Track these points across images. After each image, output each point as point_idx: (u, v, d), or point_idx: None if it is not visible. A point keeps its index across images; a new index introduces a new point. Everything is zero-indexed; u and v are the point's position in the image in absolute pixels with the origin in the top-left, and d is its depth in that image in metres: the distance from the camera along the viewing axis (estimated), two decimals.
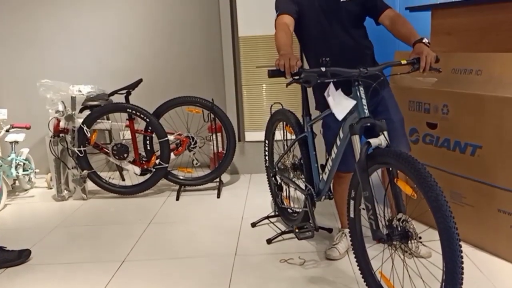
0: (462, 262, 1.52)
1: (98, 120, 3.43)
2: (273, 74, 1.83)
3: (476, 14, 2.48)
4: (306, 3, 2.18)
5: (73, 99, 3.43)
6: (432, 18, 2.74)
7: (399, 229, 1.71)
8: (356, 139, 1.88)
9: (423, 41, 1.91)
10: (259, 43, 3.70)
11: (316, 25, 2.19)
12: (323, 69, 1.83)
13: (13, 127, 3.53)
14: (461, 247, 1.51)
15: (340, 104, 1.93)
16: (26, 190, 3.76)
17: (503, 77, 2.13)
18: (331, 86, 1.97)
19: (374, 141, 1.81)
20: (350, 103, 1.92)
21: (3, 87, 4.06)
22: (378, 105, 2.18)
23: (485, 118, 2.20)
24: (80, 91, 3.51)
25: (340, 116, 1.94)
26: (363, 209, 1.85)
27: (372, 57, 2.27)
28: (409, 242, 1.71)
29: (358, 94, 1.90)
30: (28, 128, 3.60)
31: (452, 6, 2.66)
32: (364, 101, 1.89)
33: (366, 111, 1.89)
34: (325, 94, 1.99)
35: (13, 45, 4.01)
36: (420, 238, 1.69)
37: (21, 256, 2.48)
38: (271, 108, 2.74)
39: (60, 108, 3.40)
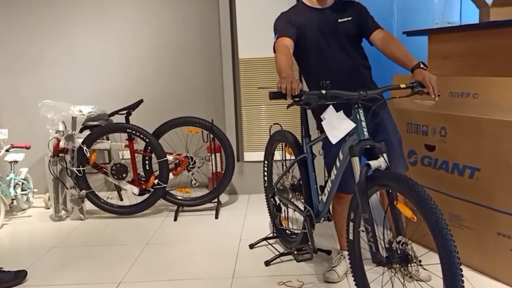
0: (463, 287, 1.51)
1: (97, 140, 3.44)
2: (274, 96, 1.86)
3: (472, 39, 2.53)
4: (305, 25, 2.21)
5: (73, 119, 3.44)
6: (429, 43, 2.79)
7: (399, 252, 1.71)
8: (355, 161, 1.89)
9: (421, 66, 1.94)
10: (258, 65, 3.75)
11: (314, 46, 2.22)
12: (323, 91, 1.86)
13: (13, 147, 3.53)
14: (461, 270, 1.51)
15: (337, 128, 1.94)
16: (23, 209, 3.73)
17: (500, 101, 2.16)
18: (330, 108, 1.98)
19: (373, 163, 1.82)
20: (348, 126, 1.93)
21: (5, 107, 4.08)
22: (378, 126, 2.20)
23: (483, 141, 2.22)
24: (81, 111, 3.53)
25: (334, 140, 1.95)
26: (363, 231, 1.85)
27: (370, 78, 2.29)
28: (409, 265, 1.70)
29: (357, 116, 1.92)
30: (28, 148, 3.60)
31: (449, 31, 2.71)
32: (363, 124, 1.91)
33: (366, 133, 1.91)
34: (321, 116, 2.00)
35: (15, 66, 4.04)
36: (420, 261, 1.68)
37: (17, 277, 2.45)
38: (270, 129, 2.76)
39: (61, 128, 3.41)
